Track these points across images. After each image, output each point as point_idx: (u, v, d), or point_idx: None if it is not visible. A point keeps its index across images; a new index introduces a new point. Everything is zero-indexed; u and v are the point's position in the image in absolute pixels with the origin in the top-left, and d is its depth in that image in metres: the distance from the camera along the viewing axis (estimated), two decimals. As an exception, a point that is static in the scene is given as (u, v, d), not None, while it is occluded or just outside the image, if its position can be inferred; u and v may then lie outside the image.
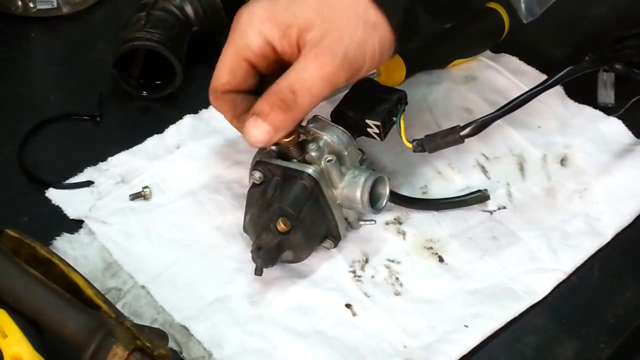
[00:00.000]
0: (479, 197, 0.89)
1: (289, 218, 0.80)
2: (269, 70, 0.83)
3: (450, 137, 0.84)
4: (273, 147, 0.84)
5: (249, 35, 0.80)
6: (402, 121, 0.86)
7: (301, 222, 0.81)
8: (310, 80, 0.78)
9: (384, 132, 0.86)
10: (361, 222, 0.87)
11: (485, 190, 0.90)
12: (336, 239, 0.85)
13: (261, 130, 0.79)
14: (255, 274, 0.81)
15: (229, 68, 0.82)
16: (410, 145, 0.85)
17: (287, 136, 0.81)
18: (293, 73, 0.78)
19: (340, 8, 0.78)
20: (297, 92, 0.78)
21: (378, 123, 0.85)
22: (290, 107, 0.78)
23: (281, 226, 0.80)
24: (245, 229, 0.85)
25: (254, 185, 0.83)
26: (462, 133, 0.84)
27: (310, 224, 0.82)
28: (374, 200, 0.83)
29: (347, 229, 0.86)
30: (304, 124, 0.84)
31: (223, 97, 0.84)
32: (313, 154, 0.82)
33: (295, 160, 0.83)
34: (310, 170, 0.82)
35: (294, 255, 0.83)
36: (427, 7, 0.83)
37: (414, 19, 0.82)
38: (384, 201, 0.84)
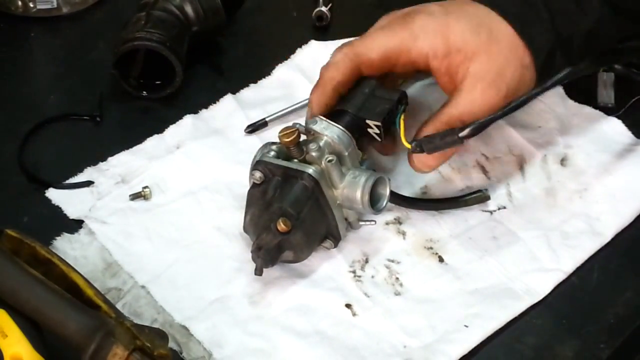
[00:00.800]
0: (479, 197, 0.89)
1: (289, 218, 0.80)
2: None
3: (449, 138, 0.84)
4: (273, 147, 0.84)
5: (372, 54, 0.87)
6: (402, 122, 0.86)
7: (301, 222, 0.81)
8: (479, 113, 0.84)
9: (384, 133, 0.86)
10: (361, 223, 0.87)
11: (486, 190, 0.90)
12: (336, 239, 0.85)
13: (433, 157, 0.84)
14: (256, 273, 0.81)
15: (324, 99, 0.87)
16: (409, 146, 0.85)
17: (288, 136, 0.81)
18: (462, 104, 0.84)
19: (503, 49, 0.85)
20: (465, 122, 0.83)
21: (378, 123, 0.85)
22: (455, 128, 0.83)
23: (282, 226, 0.80)
24: (245, 229, 0.85)
25: (254, 185, 0.83)
26: (461, 134, 0.83)
27: (310, 224, 0.82)
28: (374, 201, 0.83)
29: (347, 229, 0.86)
30: (303, 124, 0.85)
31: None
32: (313, 154, 0.82)
33: (295, 160, 0.83)
34: (310, 170, 0.82)
35: (294, 255, 0.83)
36: (563, 51, 0.87)
37: (553, 62, 0.87)
38: (384, 202, 0.84)
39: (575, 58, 0.88)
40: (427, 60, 0.86)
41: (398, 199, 0.88)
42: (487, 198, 0.89)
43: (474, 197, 0.89)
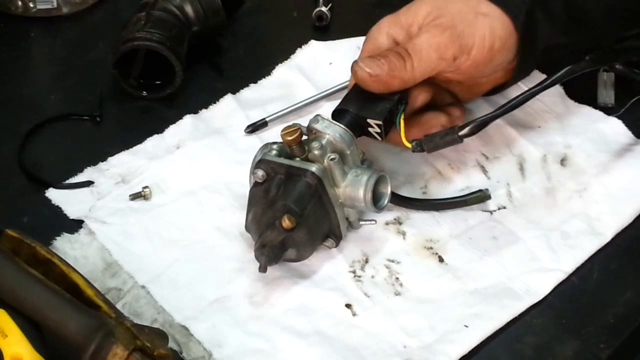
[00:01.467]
0: (479, 197, 0.89)
1: (294, 215, 0.80)
2: None
3: (449, 137, 0.84)
4: (274, 146, 0.84)
5: (379, 39, 0.89)
6: (402, 121, 0.86)
7: (305, 219, 0.81)
8: (420, 45, 0.85)
9: (384, 132, 0.86)
10: (362, 222, 0.87)
11: (486, 190, 0.90)
12: (338, 238, 0.85)
13: (376, 64, 0.84)
14: (260, 271, 0.81)
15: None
16: (409, 146, 0.85)
17: (291, 134, 0.81)
18: (406, 41, 0.86)
19: (453, 2, 0.87)
20: (409, 51, 0.85)
21: (379, 122, 0.85)
22: (404, 59, 0.84)
23: (286, 223, 0.80)
24: (247, 228, 0.85)
25: (256, 184, 0.83)
26: (460, 133, 0.84)
27: (313, 222, 0.82)
28: (376, 199, 0.83)
29: (347, 228, 0.86)
30: (304, 124, 0.84)
31: None
32: (316, 152, 0.82)
33: (297, 158, 0.83)
34: (313, 168, 0.82)
35: (297, 253, 0.83)
36: (544, 11, 0.88)
37: (534, 23, 0.88)
38: (386, 200, 0.85)
39: (557, 19, 0.88)
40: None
41: (398, 200, 0.88)
42: (488, 197, 0.89)
43: (474, 197, 0.89)
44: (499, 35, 0.87)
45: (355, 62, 0.85)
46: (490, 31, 0.86)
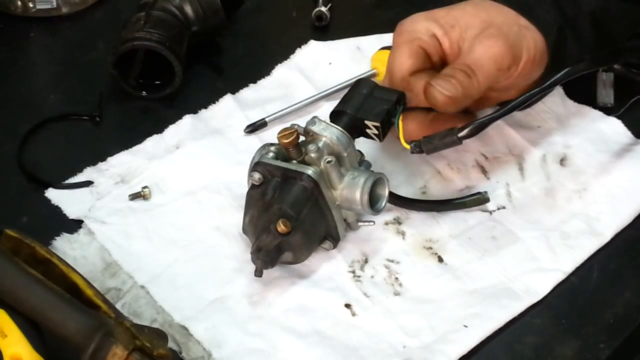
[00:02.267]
0: (478, 200, 0.89)
1: (289, 219, 0.80)
2: (437, 66, 0.89)
3: (448, 139, 0.84)
4: (272, 148, 0.84)
5: (418, 28, 0.89)
6: (400, 122, 0.86)
7: (301, 223, 0.81)
8: (481, 59, 0.85)
9: (383, 133, 0.86)
10: (360, 223, 0.87)
11: (485, 192, 0.89)
12: (335, 240, 0.85)
13: (452, 85, 0.84)
14: (256, 275, 0.81)
15: (408, 54, 0.88)
16: (408, 147, 0.85)
17: (287, 137, 0.81)
18: (463, 56, 0.86)
19: (495, 14, 0.88)
20: (473, 68, 0.85)
21: (377, 124, 0.85)
22: (470, 75, 0.84)
23: (281, 227, 0.80)
24: (244, 230, 0.85)
25: (253, 186, 0.83)
26: (460, 134, 0.83)
27: (310, 225, 0.82)
28: (373, 201, 0.83)
29: (345, 229, 0.86)
30: (304, 124, 0.84)
31: (410, 78, 0.88)
32: (312, 155, 0.82)
33: (294, 161, 0.83)
34: (310, 171, 0.82)
35: (294, 256, 0.83)
36: (571, 30, 0.89)
37: (564, 40, 0.89)
38: (384, 202, 0.84)
39: (584, 40, 0.89)
40: (440, 45, 0.88)
41: (396, 200, 0.88)
42: (486, 200, 0.89)
43: (473, 200, 0.89)
44: (540, 48, 0.87)
45: (429, 84, 0.84)
46: (534, 43, 0.87)
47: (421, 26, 0.88)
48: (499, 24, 0.87)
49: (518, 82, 0.88)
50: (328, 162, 0.82)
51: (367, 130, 0.86)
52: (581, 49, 0.89)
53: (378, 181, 0.84)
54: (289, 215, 0.80)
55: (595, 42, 0.90)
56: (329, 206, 0.83)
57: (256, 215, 0.82)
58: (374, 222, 0.87)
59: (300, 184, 0.81)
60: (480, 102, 0.90)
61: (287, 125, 0.84)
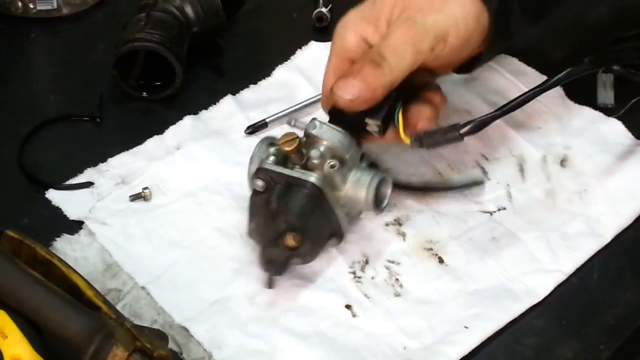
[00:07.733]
0: (475, 182, 0.89)
1: (297, 232, 0.79)
2: None
3: (449, 135, 0.83)
4: (271, 150, 0.84)
5: (347, 37, 0.86)
6: (400, 116, 0.86)
7: (309, 232, 0.80)
8: (395, 43, 0.82)
9: (383, 128, 0.85)
10: (361, 215, 0.87)
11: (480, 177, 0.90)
12: (340, 237, 0.85)
13: (351, 85, 0.81)
14: (266, 287, 0.81)
15: (334, 70, 0.86)
16: (408, 142, 0.84)
17: (289, 145, 0.81)
18: (380, 42, 0.83)
19: None
20: (384, 54, 0.82)
21: (378, 122, 0.85)
22: (380, 64, 0.81)
23: (291, 242, 0.79)
24: (250, 235, 0.84)
25: (256, 193, 0.82)
26: (462, 131, 0.83)
27: (316, 231, 0.81)
28: (377, 201, 0.83)
29: (349, 222, 0.86)
30: (303, 126, 0.84)
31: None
32: (315, 161, 0.81)
33: (297, 166, 0.82)
34: (313, 178, 0.81)
35: (302, 260, 0.82)
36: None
37: (509, 8, 0.86)
38: (387, 200, 0.84)
39: (531, 15, 0.88)
40: (371, 46, 0.86)
41: (396, 187, 0.87)
42: (481, 182, 0.89)
43: (468, 184, 0.90)
44: (472, 12, 0.84)
45: (331, 91, 0.82)
46: (462, 12, 0.83)
47: (350, 33, 0.86)
48: (418, 2, 0.83)
49: (459, 53, 0.86)
50: (332, 166, 0.82)
51: (367, 128, 0.86)
52: (524, 15, 0.87)
53: (381, 180, 0.84)
54: (297, 228, 0.79)
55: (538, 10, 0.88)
56: (333, 208, 0.82)
57: (262, 224, 0.82)
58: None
59: (305, 192, 0.81)
60: (427, 72, 0.88)
61: (286, 124, 0.83)
